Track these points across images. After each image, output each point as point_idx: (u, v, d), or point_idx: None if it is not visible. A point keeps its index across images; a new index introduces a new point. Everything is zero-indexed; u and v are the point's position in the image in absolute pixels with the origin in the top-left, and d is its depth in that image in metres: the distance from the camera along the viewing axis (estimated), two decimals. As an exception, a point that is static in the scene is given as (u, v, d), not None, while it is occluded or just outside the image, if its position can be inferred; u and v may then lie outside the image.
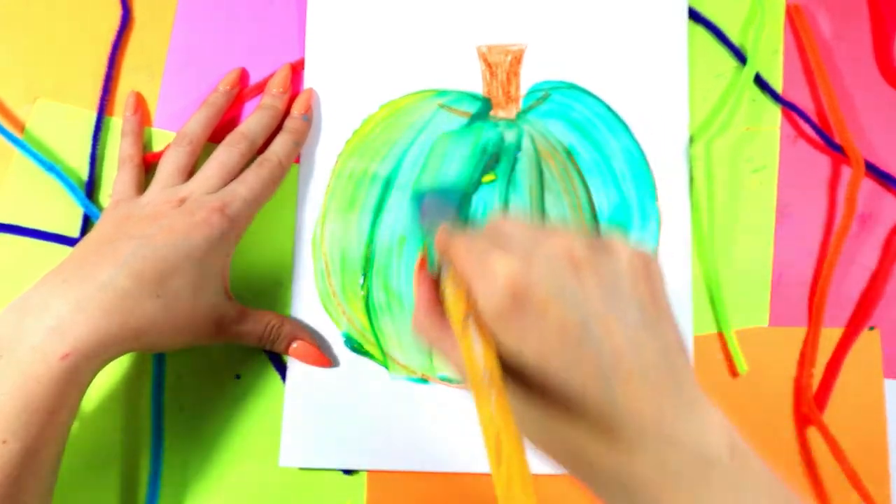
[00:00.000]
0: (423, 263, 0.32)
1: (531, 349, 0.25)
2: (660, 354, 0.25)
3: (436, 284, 0.31)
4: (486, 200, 0.41)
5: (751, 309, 0.41)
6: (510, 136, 0.42)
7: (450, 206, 0.39)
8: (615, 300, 0.25)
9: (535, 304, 0.24)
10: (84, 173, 0.43)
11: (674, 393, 0.25)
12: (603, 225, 0.41)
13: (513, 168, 0.42)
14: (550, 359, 0.24)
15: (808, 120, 0.43)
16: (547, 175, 0.42)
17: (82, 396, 0.33)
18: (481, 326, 0.26)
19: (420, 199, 0.40)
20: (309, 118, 0.42)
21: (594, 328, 0.24)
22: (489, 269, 0.25)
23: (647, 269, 0.26)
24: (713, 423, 0.25)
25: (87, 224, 0.43)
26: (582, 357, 0.24)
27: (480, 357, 0.24)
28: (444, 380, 0.41)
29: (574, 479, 0.27)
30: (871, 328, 0.41)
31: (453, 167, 0.42)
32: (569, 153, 0.42)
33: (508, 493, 0.21)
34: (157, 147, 0.44)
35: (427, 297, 0.30)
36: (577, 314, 0.24)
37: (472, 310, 0.26)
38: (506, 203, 0.41)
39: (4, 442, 0.30)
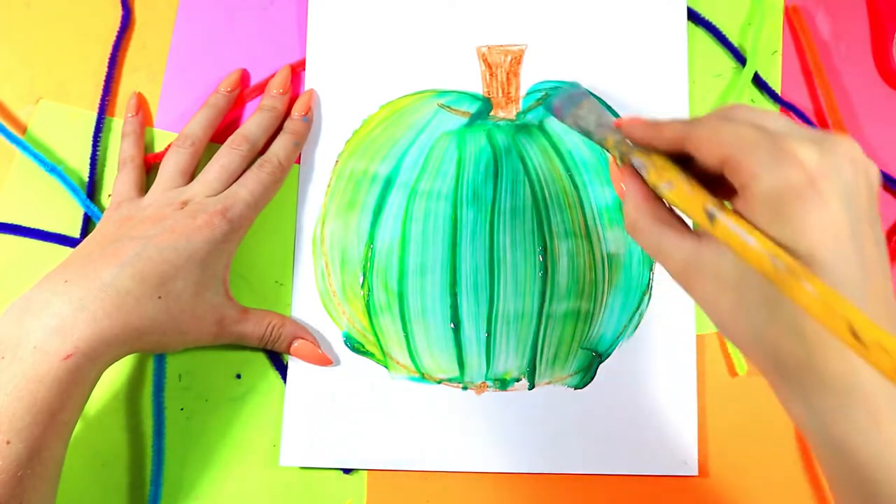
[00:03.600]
0: (616, 163, 0.30)
1: (806, 237, 0.24)
2: (889, 275, 0.26)
3: (641, 178, 0.29)
4: (481, 199, 0.42)
5: (750, 309, 0.41)
6: (510, 136, 0.42)
7: (583, 94, 0.35)
8: (872, 210, 0.26)
9: (822, 194, 0.24)
10: (85, 174, 0.43)
11: None
12: (601, 226, 0.41)
13: (512, 168, 0.42)
14: (822, 249, 0.24)
15: (806, 120, 0.43)
16: (546, 175, 0.42)
17: (87, 397, 0.33)
18: (739, 220, 0.25)
19: (549, 107, 0.37)
20: (309, 119, 0.43)
21: (858, 230, 0.25)
22: (784, 150, 0.25)
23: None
24: None
25: (88, 224, 0.43)
26: (848, 254, 0.24)
27: (756, 244, 0.24)
28: (444, 380, 0.41)
29: (772, 378, 0.27)
30: (870, 328, 0.41)
31: (453, 167, 0.42)
32: (568, 153, 0.42)
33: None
34: (158, 148, 0.44)
35: (641, 188, 0.29)
36: (849, 213, 0.25)
37: (714, 202, 0.25)
38: (502, 203, 0.42)
39: (8, 442, 0.30)
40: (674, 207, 0.28)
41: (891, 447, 0.24)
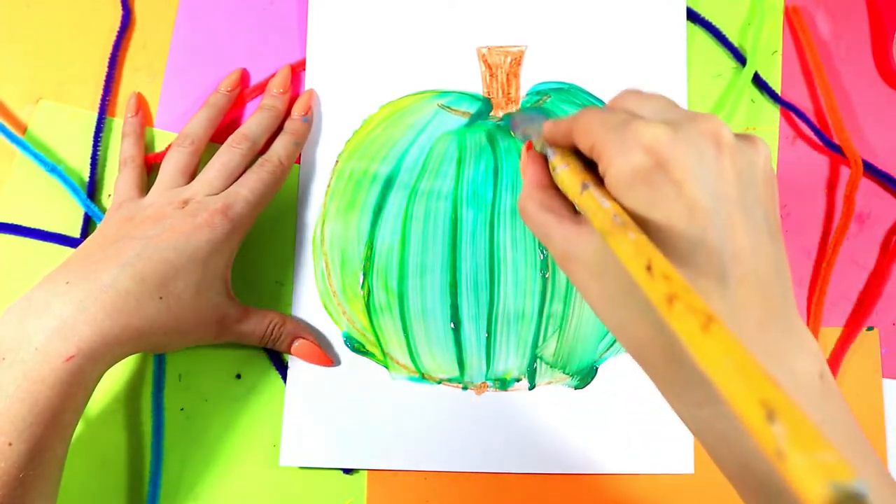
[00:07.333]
0: (531, 145, 0.32)
1: (656, 221, 0.24)
2: (774, 268, 0.24)
3: (545, 164, 0.30)
4: (481, 199, 0.42)
5: (749, 309, 0.41)
6: (510, 137, 0.42)
7: (540, 115, 0.37)
8: (747, 197, 0.24)
9: (672, 176, 0.23)
10: (86, 174, 0.43)
11: (781, 312, 0.24)
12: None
13: (512, 168, 0.42)
14: (673, 236, 0.23)
15: (806, 120, 0.43)
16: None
17: (88, 398, 0.33)
18: (604, 191, 0.25)
19: (510, 124, 0.41)
20: (309, 119, 0.43)
21: (722, 218, 0.23)
22: (631, 134, 0.24)
23: (774, 177, 0.26)
24: (811, 349, 0.25)
25: (88, 224, 0.43)
26: (704, 244, 0.23)
27: (608, 205, 0.24)
28: (444, 380, 0.41)
29: (646, 371, 0.26)
30: (870, 328, 0.41)
31: (453, 167, 0.42)
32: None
33: (670, 309, 0.20)
34: (158, 147, 0.44)
35: (536, 176, 0.30)
36: (710, 198, 0.23)
37: (591, 179, 0.26)
38: (502, 203, 0.42)
39: (10, 444, 0.30)
40: (561, 189, 0.28)
41: None
